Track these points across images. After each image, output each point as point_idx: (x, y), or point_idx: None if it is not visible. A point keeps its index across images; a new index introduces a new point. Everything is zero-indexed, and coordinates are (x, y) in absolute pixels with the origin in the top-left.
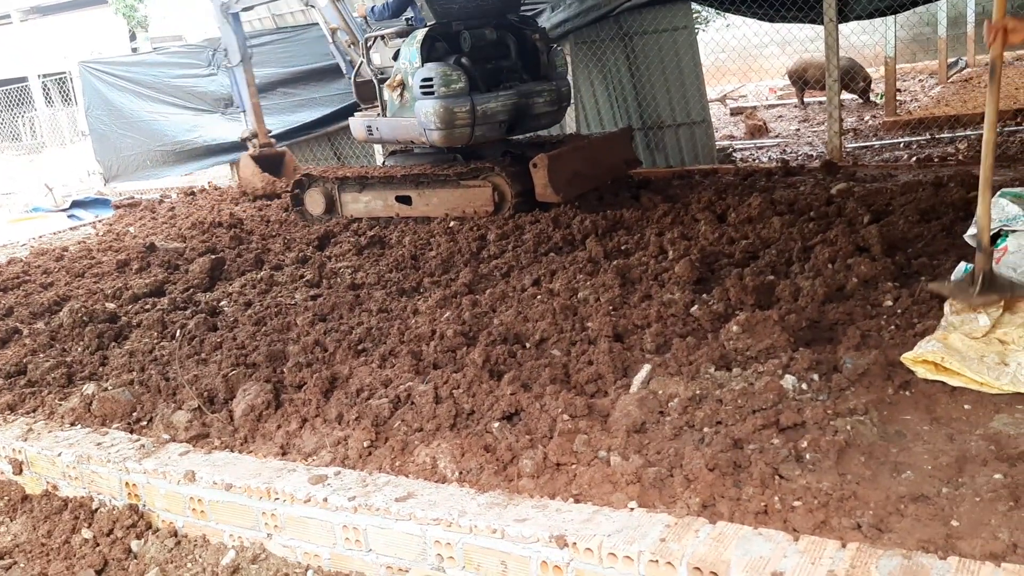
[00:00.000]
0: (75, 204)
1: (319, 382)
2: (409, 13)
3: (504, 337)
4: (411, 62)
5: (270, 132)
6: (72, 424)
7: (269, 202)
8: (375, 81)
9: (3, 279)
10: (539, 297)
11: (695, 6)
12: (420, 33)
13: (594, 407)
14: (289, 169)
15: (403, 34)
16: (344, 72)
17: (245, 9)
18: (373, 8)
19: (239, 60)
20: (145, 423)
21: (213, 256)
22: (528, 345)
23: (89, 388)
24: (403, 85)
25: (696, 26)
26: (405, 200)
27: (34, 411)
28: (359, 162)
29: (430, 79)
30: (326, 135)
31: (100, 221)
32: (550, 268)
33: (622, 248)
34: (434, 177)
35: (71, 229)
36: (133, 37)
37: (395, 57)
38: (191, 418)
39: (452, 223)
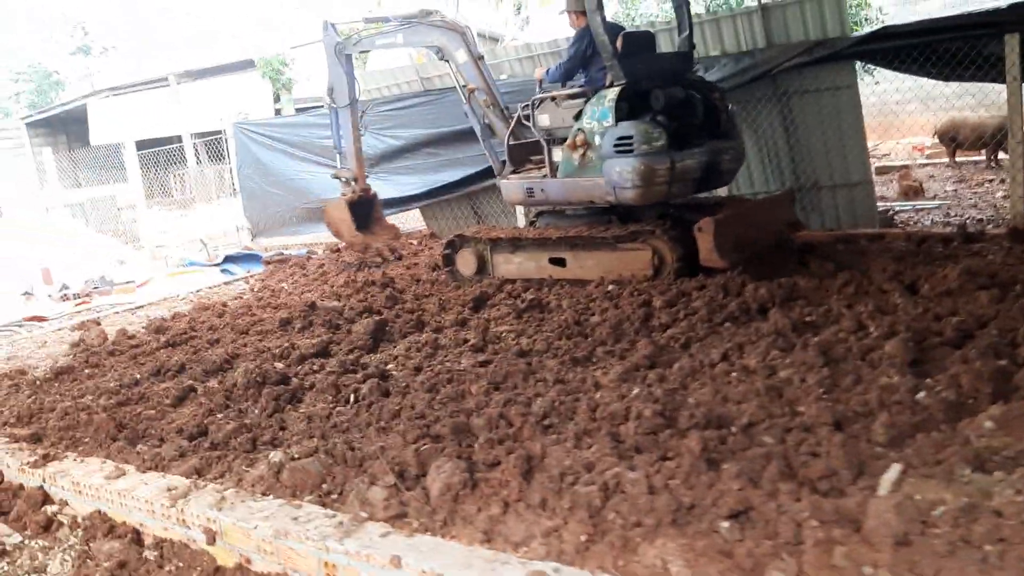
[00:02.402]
0: (227, 259)
1: (516, 462)
2: (580, 78)
3: (707, 420)
4: (601, 121)
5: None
6: (263, 494)
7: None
8: (543, 142)
9: (172, 335)
10: (734, 375)
11: (858, 64)
12: (612, 92)
13: (840, 510)
14: (379, 215)
15: (581, 95)
16: (479, 135)
17: (362, 52)
18: (549, 69)
19: (347, 102)
20: (336, 496)
21: (376, 318)
22: (734, 430)
23: (276, 456)
24: (587, 145)
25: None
26: (559, 262)
27: (221, 477)
28: (499, 222)
29: (629, 137)
30: (467, 195)
31: (252, 276)
32: (736, 341)
33: (807, 320)
34: (590, 239)
35: (225, 284)
36: (277, 99)
37: (576, 117)
38: (388, 495)
39: (611, 287)
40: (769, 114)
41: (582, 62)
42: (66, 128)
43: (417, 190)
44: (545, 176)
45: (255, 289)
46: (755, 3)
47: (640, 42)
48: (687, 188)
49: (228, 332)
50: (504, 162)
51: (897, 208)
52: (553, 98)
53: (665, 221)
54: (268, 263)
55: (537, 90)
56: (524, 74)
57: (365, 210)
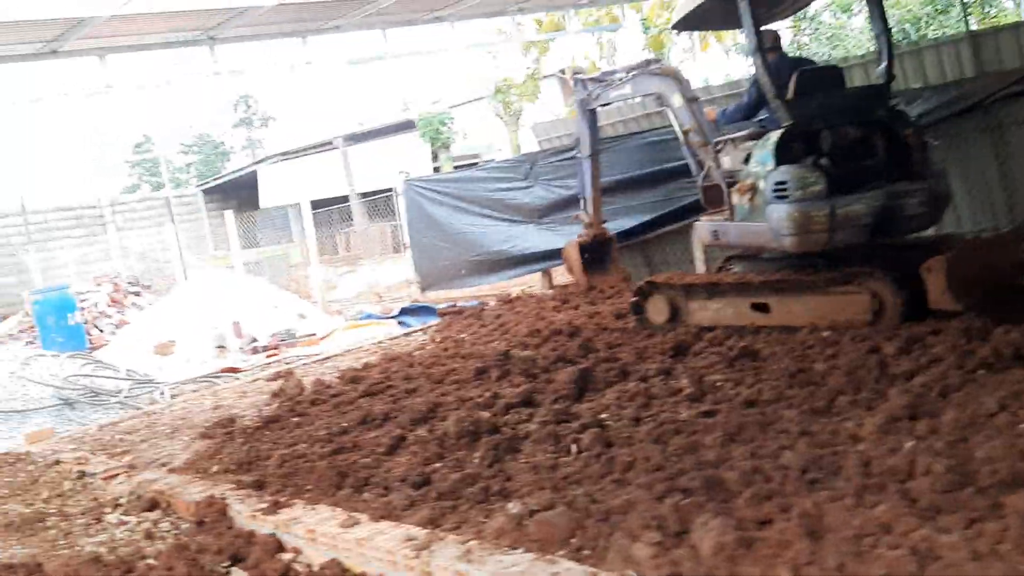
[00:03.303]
0: (403, 311)
1: (798, 521)
2: (763, 114)
3: (1012, 477)
4: (764, 164)
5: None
6: (510, 547)
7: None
8: (723, 185)
9: (368, 385)
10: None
11: None
12: (775, 135)
13: None
14: (613, 257)
15: (755, 136)
16: (694, 173)
17: (602, 105)
18: (725, 110)
19: (587, 154)
20: (589, 551)
21: (579, 367)
22: None
23: (514, 507)
24: (754, 189)
25: None
26: (761, 308)
27: (458, 528)
28: (671, 269)
29: (784, 182)
30: (640, 243)
31: (429, 328)
32: (1008, 390)
33: None
34: (798, 283)
35: (404, 335)
36: (435, 157)
37: (746, 160)
38: (654, 553)
39: (826, 333)
40: (980, 147)
41: (760, 102)
42: (237, 193)
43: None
44: (727, 219)
45: (436, 340)
46: (962, 31)
47: (821, 78)
48: (856, 234)
49: (424, 381)
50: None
51: None
52: (732, 140)
53: (880, 262)
54: (443, 314)
55: (715, 130)
56: None
57: (598, 253)
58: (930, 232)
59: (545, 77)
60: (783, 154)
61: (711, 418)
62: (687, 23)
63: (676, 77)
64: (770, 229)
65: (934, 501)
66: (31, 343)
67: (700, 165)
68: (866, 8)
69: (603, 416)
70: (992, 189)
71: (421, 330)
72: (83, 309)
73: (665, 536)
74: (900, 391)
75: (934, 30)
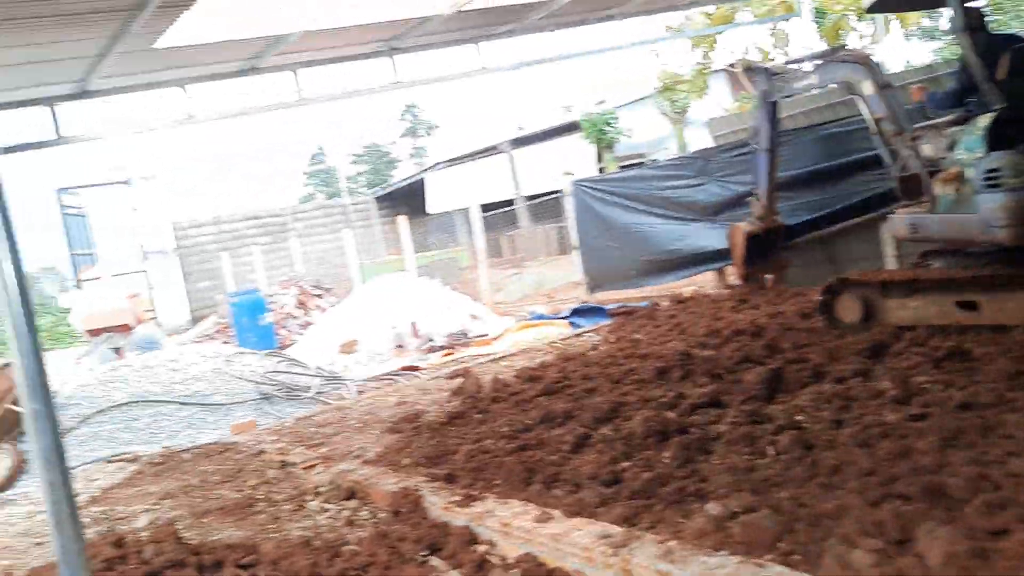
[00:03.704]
0: (574, 312)
1: None
2: (972, 99)
3: None
4: (973, 151)
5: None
6: (713, 548)
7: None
8: (924, 175)
9: (546, 383)
10: None
11: None
12: (985, 119)
13: None
14: (778, 249)
15: (960, 121)
16: (886, 164)
17: (785, 97)
18: (934, 93)
19: (766, 147)
20: (799, 556)
21: (768, 367)
22: None
23: (714, 509)
24: (961, 178)
25: None
26: (969, 306)
27: (653, 527)
28: (857, 267)
29: (997, 169)
30: (820, 239)
31: (601, 328)
32: None
33: None
34: (1013, 279)
35: (576, 335)
36: (599, 157)
37: (951, 148)
38: (876, 560)
39: None
40: None
41: (969, 87)
42: (406, 200)
43: None
44: (928, 211)
45: (610, 340)
46: None
47: None
48: None
49: (602, 381)
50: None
51: None
52: (934, 126)
53: None
54: (614, 315)
55: (918, 114)
56: None
57: (764, 246)
58: None
59: (716, 72)
60: (995, 140)
61: (922, 422)
62: (883, 5)
63: (867, 63)
64: (980, 220)
65: None
66: (226, 342)
67: (893, 156)
68: None
69: (799, 418)
70: None
71: (593, 330)
72: (272, 311)
73: (886, 543)
74: None
75: None
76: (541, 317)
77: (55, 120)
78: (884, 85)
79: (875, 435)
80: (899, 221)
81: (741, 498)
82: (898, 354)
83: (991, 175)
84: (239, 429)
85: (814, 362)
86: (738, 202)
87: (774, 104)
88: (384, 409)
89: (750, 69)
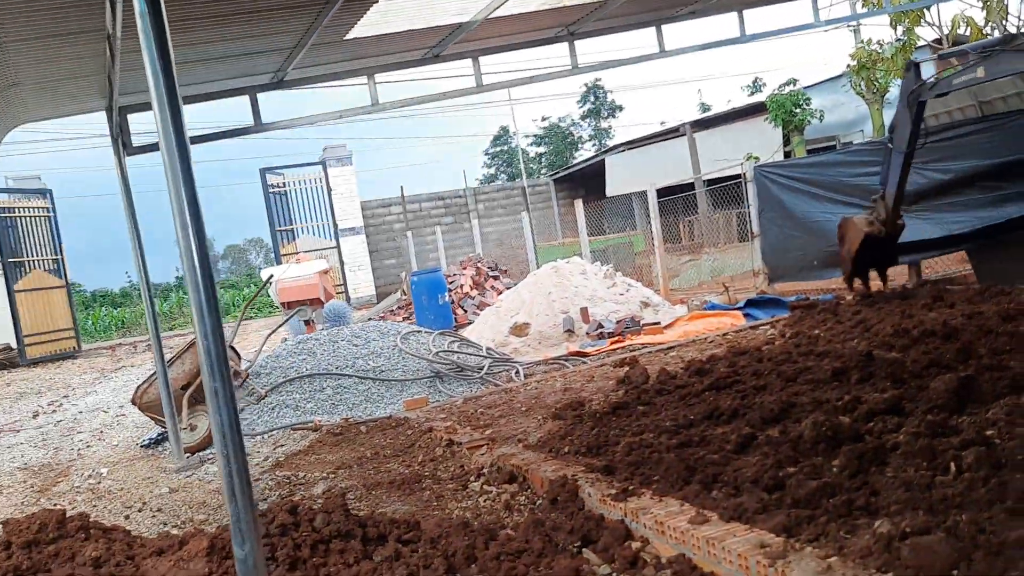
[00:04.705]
0: (749, 303)
1: None
2: None
3: None
4: None
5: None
6: (879, 570)
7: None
8: None
9: (714, 378)
10: None
11: None
12: None
13: None
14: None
15: None
16: None
17: (938, 95)
18: None
19: (904, 149)
20: None
21: (959, 374)
22: None
23: (883, 526)
24: None
25: None
26: None
27: (815, 540)
28: None
29: None
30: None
31: (778, 321)
32: None
33: None
34: None
35: (751, 328)
36: (787, 141)
37: None
38: None
39: None
40: None
41: None
42: (584, 183)
43: (967, 228)
44: None
45: (786, 335)
46: None
47: None
48: None
49: (774, 379)
50: None
51: None
52: None
53: None
54: (794, 308)
55: None
56: None
57: (878, 251)
58: None
59: (919, 48)
60: None
61: None
62: None
63: None
64: None
65: None
66: (407, 319)
67: None
68: None
69: (990, 433)
70: None
71: (769, 323)
72: (451, 290)
73: None
74: None
75: None
76: (715, 307)
77: (255, 108)
78: None
79: None
80: None
81: (915, 517)
82: None
83: None
84: (412, 405)
85: (1015, 371)
86: (938, 192)
87: (922, 104)
88: (550, 394)
89: (911, 61)
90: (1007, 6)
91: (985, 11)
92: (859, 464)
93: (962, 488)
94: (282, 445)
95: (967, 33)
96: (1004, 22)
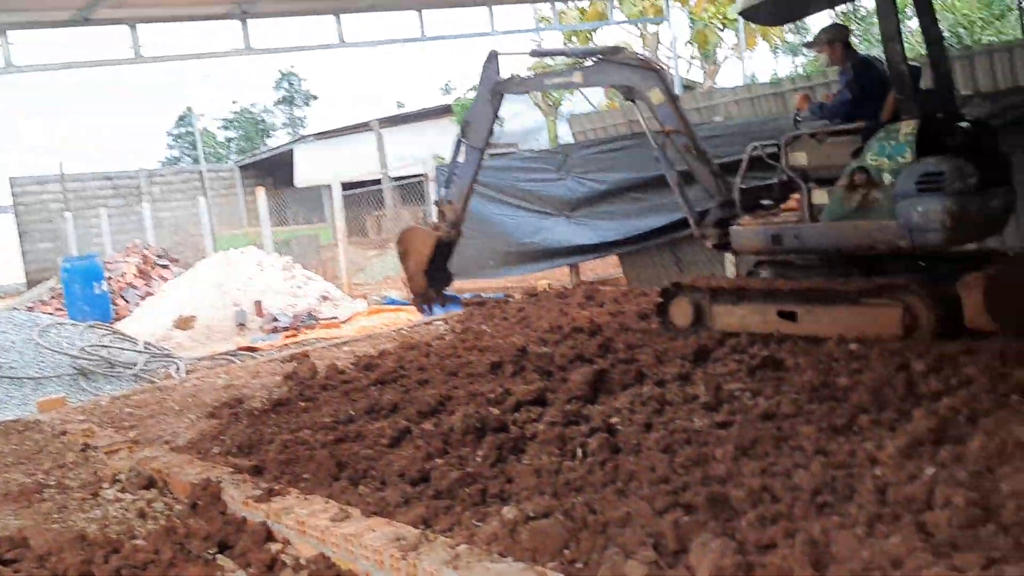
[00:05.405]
0: None
1: (802, 548)
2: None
3: None
4: (895, 157)
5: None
6: (500, 554)
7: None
8: (803, 184)
9: (381, 372)
10: None
11: None
12: (908, 126)
13: None
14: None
15: (849, 132)
16: (672, 184)
17: (522, 92)
18: (822, 105)
19: (481, 145)
20: (582, 565)
21: (595, 367)
22: None
23: (509, 512)
24: (871, 184)
25: None
26: (789, 316)
27: (451, 530)
28: (703, 272)
29: (939, 173)
30: (670, 242)
31: (452, 317)
32: None
33: None
34: (829, 293)
35: (426, 323)
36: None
37: (856, 154)
38: (647, 572)
39: (854, 346)
40: None
41: (863, 98)
42: (273, 171)
43: (618, 236)
44: (800, 221)
45: (456, 331)
46: (1018, 37)
47: (917, 77)
48: (986, 233)
49: (437, 373)
50: (702, 213)
51: None
52: (813, 135)
53: (915, 275)
54: (467, 304)
55: (796, 123)
56: (742, 116)
57: (444, 255)
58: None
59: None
60: (923, 145)
61: (725, 429)
62: (757, 15)
63: (657, 70)
64: (903, 225)
65: (951, 536)
66: (60, 310)
67: (685, 174)
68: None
69: (614, 420)
70: None
71: (443, 319)
72: (110, 279)
73: (661, 554)
74: (926, 413)
75: (989, 35)
76: (393, 302)
77: None
78: (674, 97)
79: (679, 441)
80: (751, 233)
81: (540, 502)
82: (718, 360)
83: (929, 179)
84: (47, 406)
85: (642, 363)
86: (596, 200)
87: (502, 97)
88: (209, 392)
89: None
90: (659, 36)
91: (642, 39)
92: (500, 453)
93: (584, 472)
94: None
95: None
96: (656, 51)
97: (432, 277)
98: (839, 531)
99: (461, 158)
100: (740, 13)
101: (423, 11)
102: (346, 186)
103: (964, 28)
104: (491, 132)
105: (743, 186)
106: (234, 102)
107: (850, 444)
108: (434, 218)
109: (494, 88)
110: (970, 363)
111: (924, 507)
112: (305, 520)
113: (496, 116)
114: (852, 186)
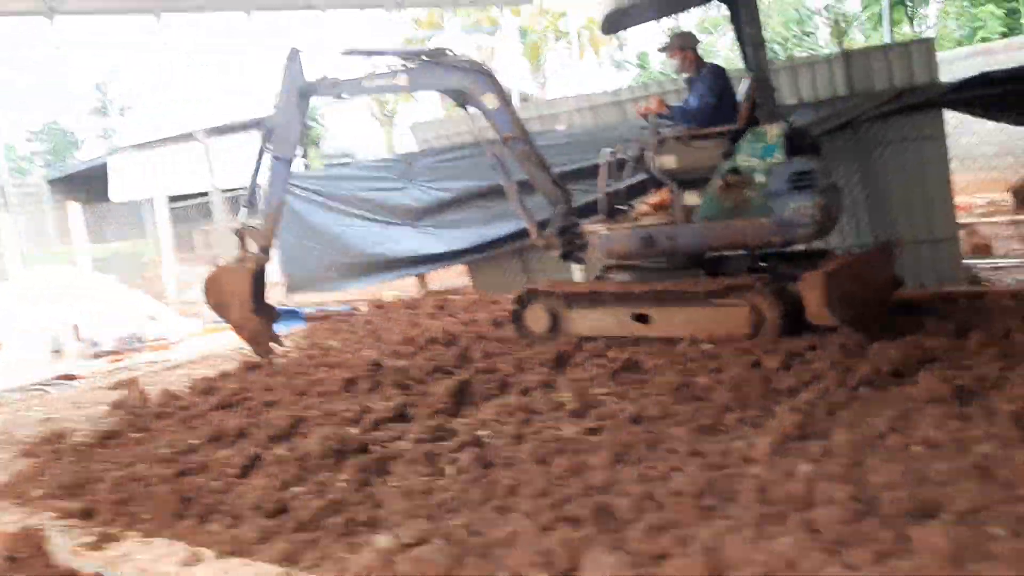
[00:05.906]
0: None
1: (699, 557)
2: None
3: (913, 506)
4: (765, 158)
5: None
6: None
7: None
8: (674, 186)
9: (223, 396)
10: (917, 449)
11: (948, 114)
12: (777, 128)
13: None
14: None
15: (715, 135)
16: (509, 192)
17: (338, 97)
18: (676, 108)
19: (290, 155)
20: None
21: (456, 378)
22: (945, 517)
23: (382, 541)
24: (744, 184)
25: None
26: (642, 319)
27: (318, 565)
28: (548, 276)
29: (808, 172)
30: (517, 250)
31: (295, 333)
32: (897, 410)
33: (959, 385)
34: (679, 294)
35: None
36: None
37: (727, 156)
38: None
39: (706, 346)
40: (846, 165)
41: (720, 104)
42: (86, 185)
43: (465, 244)
44: (672, 222)
45: (302, 347)
46: (836, 50)
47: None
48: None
49: (286, 393)
50: (542, 223)
51: (979, 266)
52: (678, 138)
53: (759, 275)
54: (311, 319)
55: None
56: (584, 125)
57: (261, 285)
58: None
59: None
60: (792, 147)
61: (596, 436)
62: (617, 24)
63: (491, 74)
64: (775, 222)
65: (839, 533)
66: None
67: (523, 182)
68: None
69: (482, 433)
70: (856, 206)
71: (287, 336)
72: None
73: (553, 574)
74: (788, 409)
75: (800, 51)
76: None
77: None
78: (508, 101)
79: (552, 451)
80: (620, 236)
81: (414, 527)
82: (578, 365)
83: (800, 177)
84: None
85: (503, 372)
86: (442, 208)
87: (308, 101)
88: (24, 427)
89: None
90: (494, 51)
91: (479, 51)
92: (364, 476)
93: (457, 491)
94: None
95: None
96: (492, 63)
97: (259, 313)
98: (730, 535)
99: (265, 171)
100: (605, 31)
101: (252, 13)
102: (170, 199)
103: (779, 44)
104: (299, 140)
105: (609, 190)
106: (40, 114)
107: (721, 444)
108: (236, 250)
109: (301, 90)
110: (816, 358)
111: (807, 504)
112: (148, 567)
113: (304, 121)
114: (726, 186)
